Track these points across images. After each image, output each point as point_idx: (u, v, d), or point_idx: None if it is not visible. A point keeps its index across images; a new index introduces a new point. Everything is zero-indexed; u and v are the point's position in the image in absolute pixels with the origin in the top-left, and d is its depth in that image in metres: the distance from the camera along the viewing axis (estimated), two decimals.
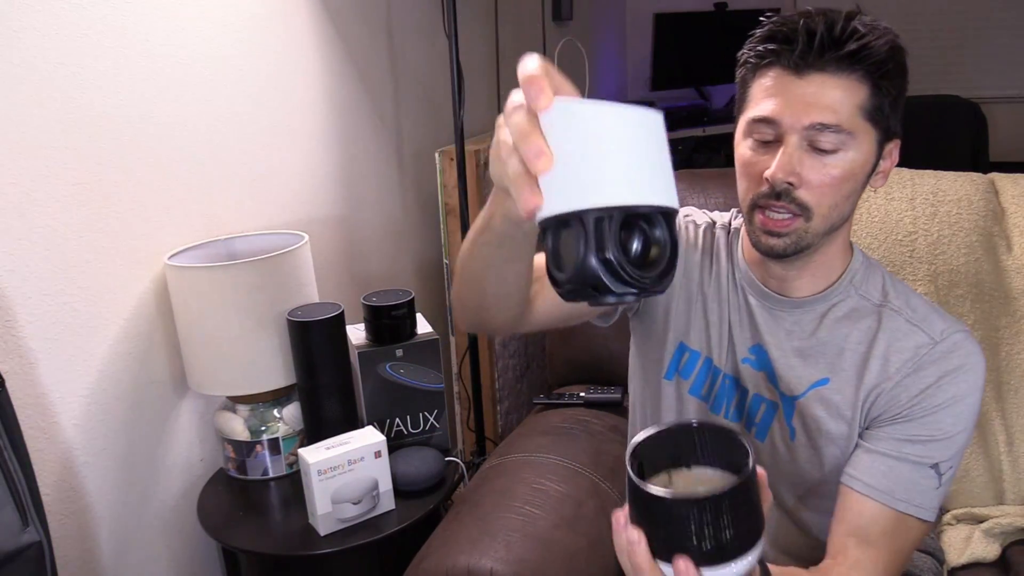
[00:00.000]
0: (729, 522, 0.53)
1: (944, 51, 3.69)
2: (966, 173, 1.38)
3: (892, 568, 0.83)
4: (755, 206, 0.84)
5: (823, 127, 0.79)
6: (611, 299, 0.47)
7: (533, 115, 0.47)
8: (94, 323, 1.15)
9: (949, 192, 1.33)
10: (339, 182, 1.68)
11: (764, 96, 0.82)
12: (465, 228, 1.77)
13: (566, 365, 1.59)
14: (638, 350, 1.05)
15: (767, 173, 0.82)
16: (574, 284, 0.47)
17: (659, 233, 0.47)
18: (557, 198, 0.46)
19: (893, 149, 0.87)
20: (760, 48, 0.83)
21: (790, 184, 0.81)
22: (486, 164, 2.01)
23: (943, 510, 1.30)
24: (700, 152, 3.53)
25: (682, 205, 1.53)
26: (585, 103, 0.47)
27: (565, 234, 0.47)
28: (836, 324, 0.89)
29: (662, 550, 0.55)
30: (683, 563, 0.53)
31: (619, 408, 1.47)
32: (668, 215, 0.48)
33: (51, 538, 0.84)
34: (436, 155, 1.88)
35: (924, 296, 0.92)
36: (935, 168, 1.40)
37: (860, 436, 0.88)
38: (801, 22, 0.80)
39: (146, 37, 1.20)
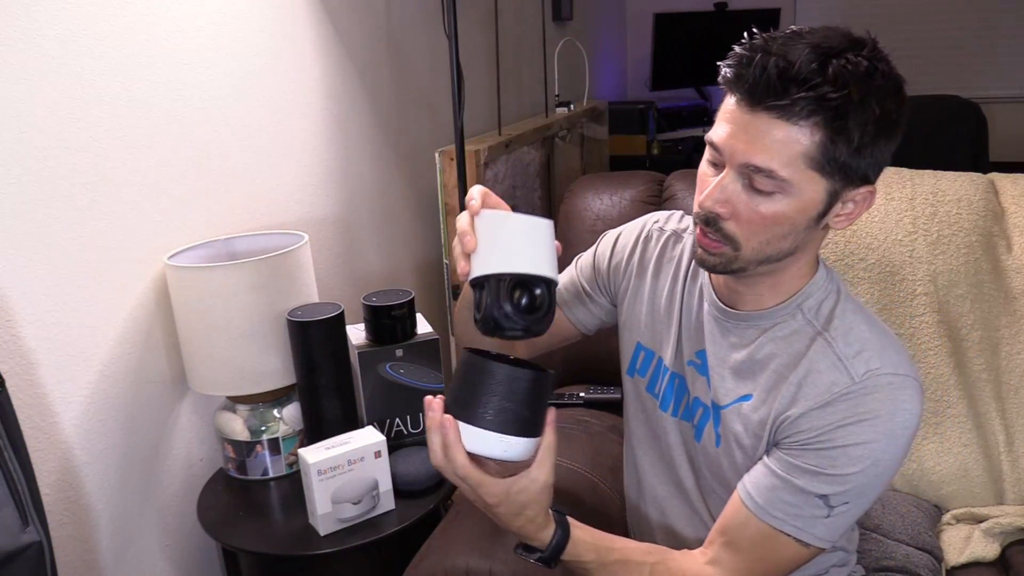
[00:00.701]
0: (512, 400, 0.72)
1: (944, 51, 3.69)
2: (966, 173, 1.38)
3: None
4: (696, 220, 0.85)
5: (756, 170, 0.76)
6: (507, 334, 0.73)
7: (472, 217, 0.76)
8: (94, 323, 1.15)
9: (949, 192, 1.33)
10: (339, 182, 1.68)
11: (721, 119, 0.81)
12: None
13: (565, 365, 1.59)
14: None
15: (699, 199, 0.82)
16: (483, 324, 0.73)
17: (539, 292, 0.73)
18: (477, 267, 0.74)
19: (858, 195, 0.80)
20: (726, 71, 0.79)
21: (718, 215, 0.80)
22: (486, 164, 2.01)
23: (942, 509, 1.30)
24: (700, 152, 3.49)
25: (682, 204, 1.53)
26: (501, 213, 0.76)
27: (481, 290, 0.74)
28: (771, 343, 0.87)
29: (453, 404, 0.74)
30: (447, 420, 0.74)
31: (619, 408, 1.46)
32: (547, 281, 0.74)
33: (51, 538, 0.84)
34: (436, 155, 1.88)
35: (880, 328, 0.85)
36: (935, 168, 1.40)
37: (765, 452, 0.86)
38: (758, 57, 0.75)
39: (146, 38, 1.20)
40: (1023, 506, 1.26)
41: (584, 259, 1.08)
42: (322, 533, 1.18)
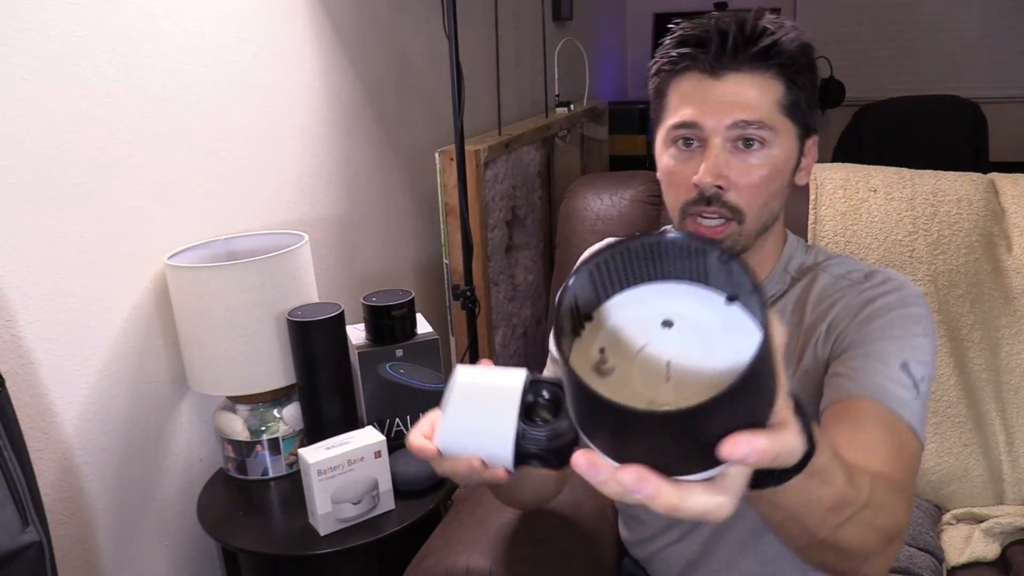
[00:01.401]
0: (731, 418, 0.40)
1: (944, 51, 3.69)
2: (966, 173, 1.38)
3: (904, 481, 0.72)
4: (686, 214, 0.84)
5: (746, 124, 0.81)
6: (577, 430, 0.58)
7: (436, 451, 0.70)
8: (94, 323, 1.15)
9: (949, 192, 1.33)
10: (339, 182, 1.68)
11: (683, 101, 0.83)
12: (465, 228, 1.77)
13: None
14: None
15: (695, 178, 0.82)
16: (557, 458, 0.64)
17: (544, 395, 0.66)
18: (497, 458, 0.65)
19: (812, 146, 0.89)
20: (674, 54, 0.84)
21: (719, 188, 0.81)
22: (486, 164, 2.01)
23: (943, 509, 1.30)
24: None
25: None
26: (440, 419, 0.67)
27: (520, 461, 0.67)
28: (778, 312, 0.91)
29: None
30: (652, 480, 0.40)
31: None
32: (527, 385, 0.64)
33: (51, 538, 0.84)
34: (436, 155, 1.88)
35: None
36: (935, 168, 1.40)
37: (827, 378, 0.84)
38: (712, 23, 0.82)
39: (146, 38, 1.20)
40: (1023, 506, 1.26)
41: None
42: (322, 533, 1.17)
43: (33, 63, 1.04)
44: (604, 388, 0.42)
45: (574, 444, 0.60)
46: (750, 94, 0.81)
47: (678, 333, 0.44)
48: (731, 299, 0.44)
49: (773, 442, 0.39)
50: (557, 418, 0.61)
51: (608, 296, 0.46)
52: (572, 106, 2.73)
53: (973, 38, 3.67)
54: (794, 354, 0.89)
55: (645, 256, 0.45)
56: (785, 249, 0.94)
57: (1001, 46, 3.64)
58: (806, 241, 0.98)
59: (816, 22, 3.74)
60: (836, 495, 0.56)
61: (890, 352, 0.80)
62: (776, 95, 0.82)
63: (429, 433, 0.67)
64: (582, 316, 0.46)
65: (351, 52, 1.68)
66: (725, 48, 0.80)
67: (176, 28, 1.25)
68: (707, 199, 0.82)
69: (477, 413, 0.63)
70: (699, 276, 0.45)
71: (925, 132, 2.92)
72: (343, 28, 1.65)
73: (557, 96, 2.75)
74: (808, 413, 0.51)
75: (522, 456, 0.61)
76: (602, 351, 0.45)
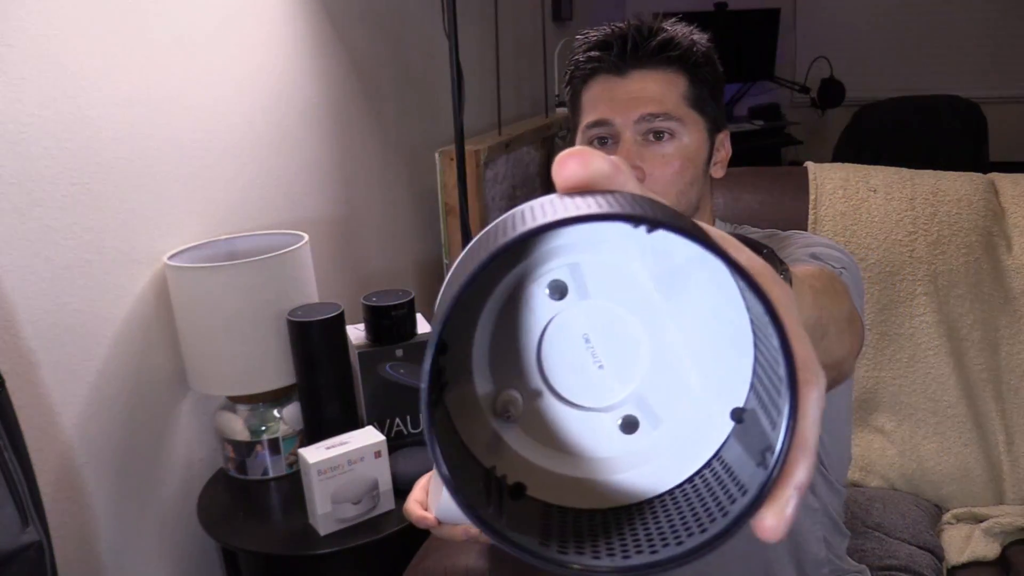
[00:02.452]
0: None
1: (944, 51, 3.69)
2: (966, 173, 1.38)
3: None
4: None
5: (653, 116, 0.86)
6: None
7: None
8: (94, 323, 1.15)
9: (949, 192, 1.33)
10: (339, 182, 1.68)
11: (594, 103, 0.89)
12: (465, 228, 1.77)
13: None
14: None
15: None
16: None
17: None
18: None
19: (724, 140, 0.94)
20: (582, 59, 0.91)
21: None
22: (486, 164, 2.01)
23: (943, 509, 1.30)
24: None
25: None
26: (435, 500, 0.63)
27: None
28: None
29: None
30: None
31: None
32: None
33: (51, 538, 0.84)
34: (436, 155, 1.88)
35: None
36: (935, 168, 1.40)
37: None
38: (613, 29, 0.89)
39: (146, 37, 1.20)
40: (1023, 506, 1.26)
41: None
42: (322, 533, 1.17)
43: (33, 63, 1.04)
44: (517, 439, 0.29)
45: None
46: (655, 88, 0.87)
47: (580, 287, 0.28)
48: (652, 225, 0.24)
49: (811, 435, 0.26)
50: None
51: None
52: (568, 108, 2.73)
53: (973, 38, 3.66)
54: None
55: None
56: None
57: (1001, 46, 3.64)
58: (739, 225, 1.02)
59: (816, 22, 3.74)
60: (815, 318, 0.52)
61: (795, 252, 0.82)
62: (680, 89, 0.88)
63: (423, 499, 0.71)
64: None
65: (351, 52, 1.68)
66: (626, 48, 0.87)
67: (176, 29, 1.25)
68: None
69: None
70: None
71: (925, 132, 2.92)
72: (343, 28, 1.65)
73: (557, 96, 2.75)
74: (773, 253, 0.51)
75: None
76: (493, 384, 0.29)
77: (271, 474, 1.32)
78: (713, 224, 1.00)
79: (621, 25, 0.90)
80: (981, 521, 1.24)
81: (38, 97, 1.05)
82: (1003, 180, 1.39)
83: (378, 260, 1.85)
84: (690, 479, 0.27)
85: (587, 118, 0.91)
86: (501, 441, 0.29)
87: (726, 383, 0.27)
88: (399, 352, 1.33)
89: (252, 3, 1.40)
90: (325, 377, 1.27)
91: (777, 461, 0.24)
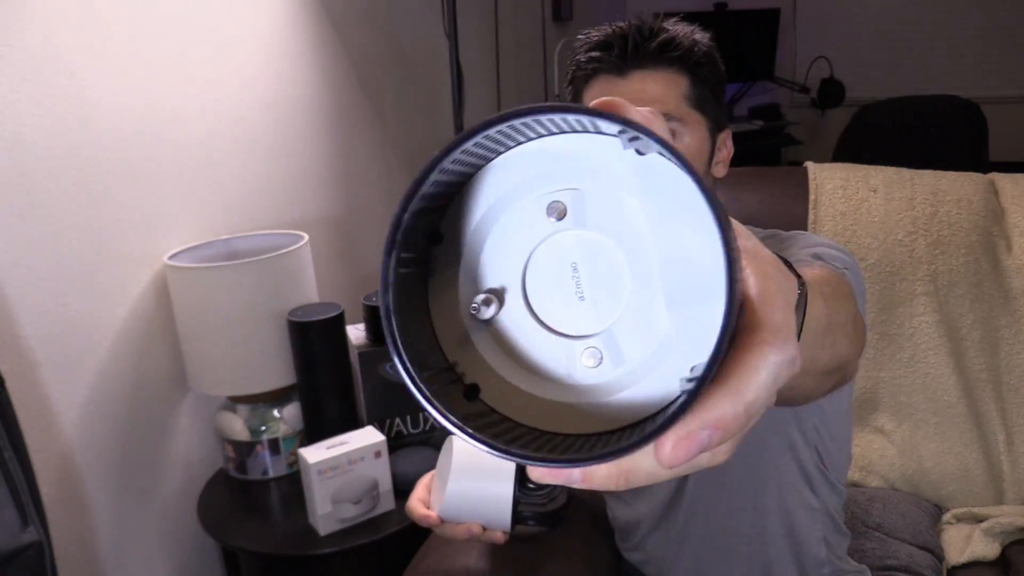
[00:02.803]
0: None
1: (944, 51, 3.69)
2: (966, 173, 1.38)
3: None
4: None
5: None
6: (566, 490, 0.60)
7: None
8: (94, 323, 1.15)
9: (949, 192, 1.33)
10: (339, 182, 1.68)
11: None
12: None
13: None
14: None
15: None
16: (551, 520, 0.68)
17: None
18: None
19: (726, 139, 0.94)
20: (584, 59, 0.90)
21: None
22: None
23: (943, 509, 1.30)
24: None
25: None
26: (443, 501, 0.69)
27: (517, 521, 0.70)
28: None
29: None
30: None
31: None
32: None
33: (51, 538, 0.84)
34: None
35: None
36: (935, 168, 1.40)
37: None
38: (614, 29, 0.88)
39: (145, 37, 1.20)
40: (1023, 506, 1.26)
41: None
42: (322, 533, 1.17)
43: (33, 63, 1.04)
44: (485, 342, 0.30)
45: (567, 505, 0.64)
46: (655, 89, 0.87)
47: (578, 214, 0.28)
48: (630, 139, 0.27)
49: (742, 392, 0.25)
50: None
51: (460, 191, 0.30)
52: None
53: (973, 38, 3.66)
54: None
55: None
56: None
57: (1001, 46, 3.64)
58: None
59: (816, 22, 3.74)
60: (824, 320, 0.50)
61: (797, 253, 0.82)
62: (682, 89, 0.87)
63: (426, 498, 0.72)
64: (429, 236, 0.30)
65: (351, 52, 1.68)
66: (627, 48, 0.87)
67: (176, 30, 1.25)
68: None
69: (476, 482, 0.66)
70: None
71: (925, 132, 2.91)
72: (343, 28, 1.65)
73: (557, 96, 2.75)
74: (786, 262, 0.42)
75: (518, 518, 0.65)
76: (475, 283, 0.30)
77: (271, 474, 1.32)
78: None
79: (622, 25, 0.89)
80: (981, 521, 1.24)
81: (38, 97, 1.05)
82: (1003, 180, 1.39)
83: (378, 260, 1.85)
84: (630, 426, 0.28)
85: None
86: (468, 341, 0.30)
87: (697, 337, 0.27)
88: None
89: (252, 3, 1.40)
90: (325, 377, 1.27)
91: (694, 391, 0.24)
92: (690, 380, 0.27)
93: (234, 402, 1.31)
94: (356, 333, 1.38)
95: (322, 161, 1.62)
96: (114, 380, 1.19)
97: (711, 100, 0.90)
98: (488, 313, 0.29)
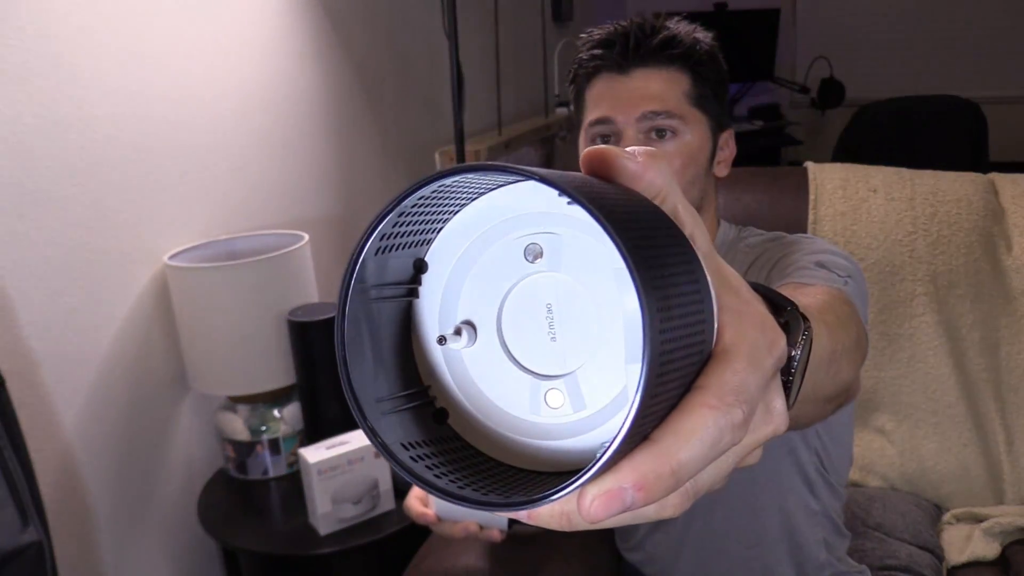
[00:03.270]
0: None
1: (944, 51, 3.69)
2: (966, 173, 1.38)
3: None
4: None
5: (655, 114, 0.86)
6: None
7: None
8: (94, 323, 1.15)
9: (949, 192, 1.33)
10: (339, 182, 1.68)
11: (597, 100, 0.90)
12: None
13: None
14: None
15: None
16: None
17: None
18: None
19: (728, 139, 0.94)
20: (586, 57, 0.91)
21: None
22: None
23: (943, 509, 1.30)
24: None
25: None
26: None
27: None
28: None
29: None
30: None
31: None
32: None
33: (51, 538, 0.84)
34: (436, 155, 1.88)
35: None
36: (935, 168, 1.40)
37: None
38: (617, 28, 0.89)
39: (145, 38, 1.20)
40: (1023, 506, 1.26)
41: None
42: (322, 533, 1.17)
43: (33, 62, 1.04)
44: (458, 371, 0.31)
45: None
46: (657, 86, 0.87)
47: (554, 258, 0.29)
48: (568, 203, 0.28)
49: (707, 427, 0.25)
50: None
51: (440, 227, 0.32)
52: (572, 106, 2.73)
53: (973, 38, 3.66)
54: None
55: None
56: (717, 237, 0.97)
57: (1001, 46, 3.64)
58: (745, 227, 1.01)
59: (816, 22, 3.74)
60: (827, 350, 0.49)
61: (801, 259, 0.81)
62: (683, 87, 0.87)
63: (424, 496, 0.74)
64: (416, 264, 0.32)
65: (351, 52, 1.68)
66: (628, 46, 0.87)
67: (176, 29, 1.25)
68: None
69: None
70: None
71: (925, 132, 2.92)
72: (343, 28, 1.65)
73: (557, 96, 2.75)
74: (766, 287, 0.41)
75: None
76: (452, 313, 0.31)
77: (271, 474, 1.32)
78: (717, 225, 0.99)
79: (624, 23, 0.90)
80: (981, 521, 1.24)
81: (38, 97, 1.05)
82: (1003, 180, 1.39)
83: None
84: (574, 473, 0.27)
85: (590, 116, 0.91)
86: (441, 368, 0.32)
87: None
88: None
89: (252, 4, 1.40)
90: (325, 377, 1.27)
91: (607, 450, 0.24)
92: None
93: (234, 402, 1.31)
94: None
95: (322, 161, 1.62)
96: (114, 380, 1.19)
97: (712, 99, 0.90)
98: (461, 343, 0.30)
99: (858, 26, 3.75)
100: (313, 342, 1.24)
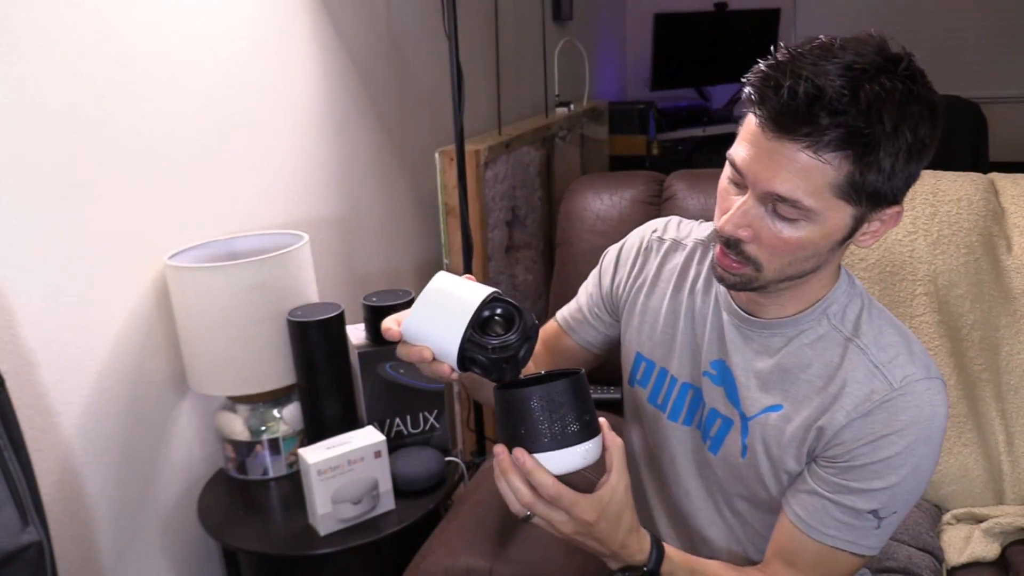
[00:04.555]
0: (565, 410, 0.69)
1: (944, 51, 3.69)
2: (966, 173, 1.38)
3: None
4: (715, 238, 0.82)
5: (780, 199, 0.73)
6: (518, 359, 0.73)
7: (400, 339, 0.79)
8: (94, 323, 1.15)
9: (949, 192, 1.33)
10: (339, 182, 1.68)
11: (743, 139, 0.76)
12: (465, 228, 1.77)
13: (566, 365, 1.59)
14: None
15: (718, 224, 0.79)
16: (495, 372, 0.73)
17: (499, 311, 0.74)
18: (444, 354, 0.75)
19: (891, 216, 0.78)
20: (750, 88, 0.74)
21: (740, 239, 0.78)
22: (486, 164, 2.01)
23: (943, 509, 1.30)
24: (700, 152, 3.53)
25: (682, 204, 1.53)
26: (408, 314, 0.76)
27: (467, 361, 0.75)
28: (800, 350, 0.85)
29: (513, 442, 0.70)
30: (518, 453, 0.69)
31: (619, 408, 1.46)
32: (492, 300, 0.73)
33: (51, 538, 0.84)
34: (436, 155, 1.88)
35: (904, 331, 0.85)
36: (935, 168, 1.40)
37: (805, 466, 0.85)
38: (786, 80, 0.70)
39: (145, 38, 1.20)
40: (1023, 506, 1.26)
41: (588, 281, 1.06)
42: (322, 533, 1.18)
43: (32, 62, 1.04)
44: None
45: (518, 362, 0.71)
46: (799, 168, 0.71)
47: None
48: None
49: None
50: (507, 334, 0.71)
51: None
52: (572, 106, 2.73)
53: (973, 38, 3.66)
54: (782, 388, 0.86)
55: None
56: (831, 294, 0.85)
57: (1001, 46, 3.64)
58: (859, 283, 0.89)
59: (816, 22, 3.74)
60: None
61: (864, 504, 0.80)
62: (831, 178, 0.71)
63: (401, 319, 0.76)
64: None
65: (351, 52, 1.68)
66: (784, 111, 0.70)
67: (176, 29, 1.25)
68: (726, 241, 0.79)
69: (436, 312, 0.73)
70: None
71: None
72: (343, 28, 1.65)
73: (557, 96, 2.75)
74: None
75: (467, 360, 0.71)
76: None
77: (271, 474, 1.32)
78: (832, 283, 0.85)
79: (801, 73, 0.69)
80: (981, 521, 1.24)
81: (38, 97, 1.05)
82: (1003, 180, 1.39)
83: (378, 260, 1.85)
84: None
85: (735, 149, 0.78)
86: None
87: None
88: None
89: (252, 4, 1.40)
90: (325, 377, 1.27)
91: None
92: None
93: (234, 402, 1.31)
94: (356, 333, 1.38)
95: (322, 161, 1.62)
96: (114, 380, 1.19)
97: (876, 186, 0.73)
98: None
99: (857, 26, 3.74)
100: (313, 342, 1.24)
